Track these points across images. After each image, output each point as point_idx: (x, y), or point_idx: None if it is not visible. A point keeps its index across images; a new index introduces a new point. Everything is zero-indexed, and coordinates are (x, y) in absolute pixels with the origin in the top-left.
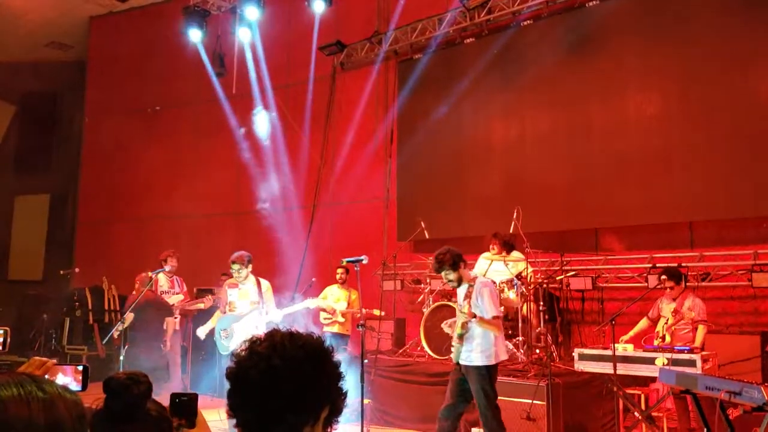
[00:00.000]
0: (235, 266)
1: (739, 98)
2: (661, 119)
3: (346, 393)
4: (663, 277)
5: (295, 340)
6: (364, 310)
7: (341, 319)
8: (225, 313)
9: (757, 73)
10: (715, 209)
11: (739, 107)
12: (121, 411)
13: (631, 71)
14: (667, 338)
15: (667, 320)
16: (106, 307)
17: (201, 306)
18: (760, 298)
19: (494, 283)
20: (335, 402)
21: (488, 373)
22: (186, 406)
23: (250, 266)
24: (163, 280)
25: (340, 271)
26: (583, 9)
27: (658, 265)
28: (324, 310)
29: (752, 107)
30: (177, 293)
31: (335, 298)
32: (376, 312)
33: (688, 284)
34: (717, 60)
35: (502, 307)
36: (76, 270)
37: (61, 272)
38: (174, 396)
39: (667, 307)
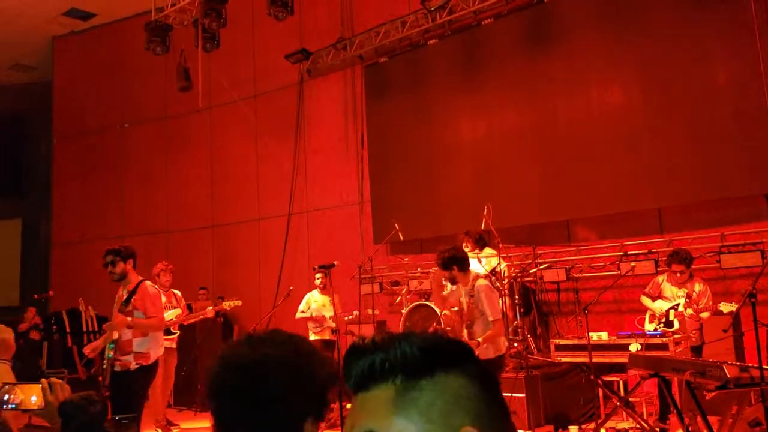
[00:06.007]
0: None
1: (698, 85)
2: (625, 109)
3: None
4: (675, 263)
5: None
6: (355, 312)
7: (333, 324)
8: None
9: (714, 59)
10: (681, 194)
11: (698, 93)
12: None
13: (593, 63)
14: (676, 324)
15: (678, 306)
16: (85, 329)
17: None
18: (729, 278)
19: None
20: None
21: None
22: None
23: (131, 261)
24: None
25: (319, 276)
26: (541, 5)
27: (629, 252)
28: (312, 320)
29: (710, 93)
30: (174, 308)
31: (319, 303)
32: (369, 311)
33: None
34: (676, 49)
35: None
36: (51, 293)
37: (36, 296)
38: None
39: (672, 290)
